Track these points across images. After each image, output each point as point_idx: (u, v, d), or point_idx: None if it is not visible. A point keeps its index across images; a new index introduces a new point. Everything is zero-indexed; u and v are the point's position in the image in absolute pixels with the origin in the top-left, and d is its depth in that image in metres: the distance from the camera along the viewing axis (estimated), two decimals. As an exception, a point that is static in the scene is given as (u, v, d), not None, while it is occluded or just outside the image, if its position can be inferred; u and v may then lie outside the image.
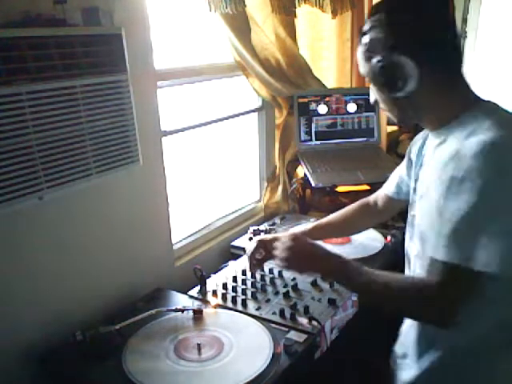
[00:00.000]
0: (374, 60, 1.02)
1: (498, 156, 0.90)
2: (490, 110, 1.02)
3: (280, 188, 2.30)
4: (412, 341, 1.16)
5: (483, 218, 0.90)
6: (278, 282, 1.61)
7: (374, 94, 1.14)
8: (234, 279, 1.62)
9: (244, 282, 1.61)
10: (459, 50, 1.04)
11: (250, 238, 1.96)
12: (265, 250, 1.40)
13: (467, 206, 0.90)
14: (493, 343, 1.04)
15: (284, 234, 1.29)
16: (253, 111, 2.25)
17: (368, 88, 1.17)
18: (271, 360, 1.22)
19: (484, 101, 1.05)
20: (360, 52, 1.08)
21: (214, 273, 1.70)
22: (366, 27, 1.05)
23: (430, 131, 1.13)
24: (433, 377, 1.11)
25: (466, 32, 3.68)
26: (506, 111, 1.04)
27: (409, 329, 1.19)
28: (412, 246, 1.18)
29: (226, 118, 2.08)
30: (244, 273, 1.66)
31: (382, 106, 1.14)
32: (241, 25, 1.84)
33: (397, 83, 1.01)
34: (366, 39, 1.05)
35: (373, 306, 1.16)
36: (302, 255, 1.17)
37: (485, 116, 0.99)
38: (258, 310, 1.46)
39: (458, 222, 0.92)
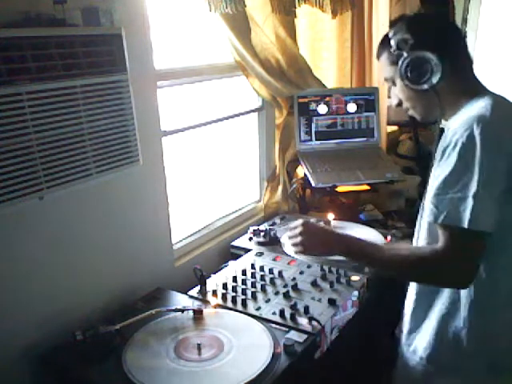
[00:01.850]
0: (402, 57, 1.15)
1: (476, 128, 1.01)
2: (488, 99, 1.11)
3: (280, 188, 2.30)
4: (414, 313, 1.27)
5: (455, 183, 1.02)
6: (278, 281, 1.61)
7: (396, 96, 1.25)
8: (234, 279, 1.62)
9: (244, 281, 1.61)
10: (467, 49, 1.20)
11: (250, 238, 1.96)
12: None
13: (446, 170, 1.04)
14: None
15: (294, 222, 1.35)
16: (253, 111, 2.25)
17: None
18: (271, 360, 1.22)
19: (488, 92, 1.16)
20: (384, 57, 1.22)
21: (214, 273, 1.70)
22: (390, 34, 1.19)
23: (445, 122, 1.22)
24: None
25: (465, 32, 3.68)
26: (506, 101, 1.15)
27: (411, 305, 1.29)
28: (419, 230, 1.27)
29: (226, 118, 2.08)
30: (244, 273, 1.66)
31: (406, 104, 1.25)
32: (241, 25, 1.84)
33: (424, 75, 1.13)
34: (392, 42, 1.18)
35: (397, 278, 1.30)
36: (316, 239, 1.29)
37: (482, 103, 1.09)
38: (257, 310, 1.46)
39: (439, 184, 1.05)
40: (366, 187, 2.13)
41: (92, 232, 1.47)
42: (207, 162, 2.13)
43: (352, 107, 2.34)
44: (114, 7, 1.35)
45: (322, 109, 2.30)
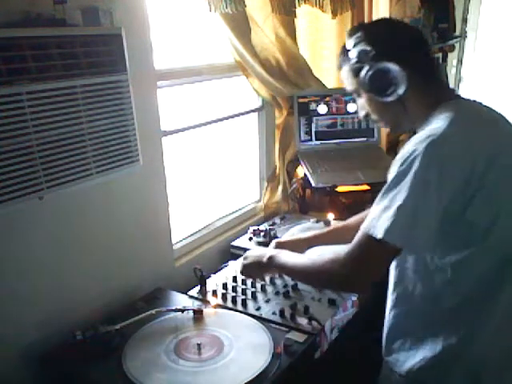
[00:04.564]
0: (365, 70, 1.10)
1: (420, 146, 0.97)
2: (450, 112, 1.05)
3: (280, 188, 2.30)
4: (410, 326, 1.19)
5: (386, 194, 1.02)
6: (278, 281, 1.61)
7: (363, 108, 1.20)
8: (234, 279, 1.62)
9: (244, 282, 1.61)
10: (431, 57, 1.19)
11: (250, 238, 1.96)
12: None
13: (388, 182, 1.03)
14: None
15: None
16: (253, 111, 2.25)
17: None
18: (271, 360, 1.22)
19: (456, 102, 1.11)
20: (345, 70, 1.17)
21: (214, 273, 1.70)
22: (348, 45, 1.14)
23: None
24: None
25: (465, 32, 3.68)
26: (471, 113, 1.10)
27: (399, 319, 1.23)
28: None
29: (226, 118, 2.08)
30: (244, 273, 1.66)
31: (373, 116, 1.20)
32: (241, 25, 1.84)
33: (389, 86, 1.08)
34: (352, 54, 1.12)
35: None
36: (252, 267, 1.41)
37: (441, 117, 1.04)
38: (257, 310, 1.46)
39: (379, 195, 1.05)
40: (366, 187, 2.13)
41: (92, 232, 1.47)
42: (207, 162, 2.13)
43: (352, 107, 2.33)
44: (114, 7, 1.35)
45: (322, 109, 2.30)
